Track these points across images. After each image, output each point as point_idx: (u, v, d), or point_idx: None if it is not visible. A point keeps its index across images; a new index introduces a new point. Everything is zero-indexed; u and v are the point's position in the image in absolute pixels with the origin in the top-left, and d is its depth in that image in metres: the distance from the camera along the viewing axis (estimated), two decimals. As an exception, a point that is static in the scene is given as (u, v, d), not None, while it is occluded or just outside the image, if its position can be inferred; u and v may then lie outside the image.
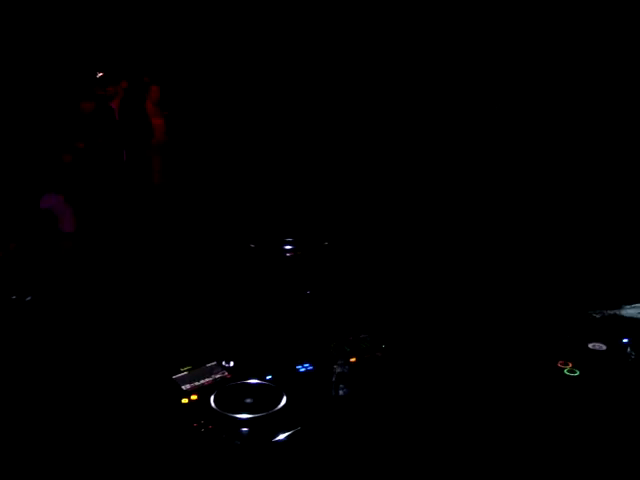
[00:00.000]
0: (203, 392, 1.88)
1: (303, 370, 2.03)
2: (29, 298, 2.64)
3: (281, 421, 1.77)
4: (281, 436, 1.72)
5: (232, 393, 1.86)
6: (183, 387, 1.91)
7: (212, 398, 1.83)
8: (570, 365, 2.08)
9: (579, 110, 3.68)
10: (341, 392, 1.92)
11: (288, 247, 3.54)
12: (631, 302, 2.55)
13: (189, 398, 1.85)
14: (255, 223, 3.85)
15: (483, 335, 2.32)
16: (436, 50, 4.32)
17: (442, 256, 3.37)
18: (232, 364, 2.04)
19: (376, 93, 4.65)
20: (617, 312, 2.49)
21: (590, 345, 2.19)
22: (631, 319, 2.42)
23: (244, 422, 1.74)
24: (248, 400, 1.82)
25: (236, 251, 3.41)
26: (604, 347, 2.18)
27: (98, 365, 2.07)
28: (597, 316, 2.46)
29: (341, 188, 4.28)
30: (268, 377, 1.95)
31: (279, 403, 1.81)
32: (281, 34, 4.98)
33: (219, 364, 2.04)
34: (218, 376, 1.98)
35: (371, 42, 4.58)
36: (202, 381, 1.95)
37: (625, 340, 2.20)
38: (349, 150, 4.57)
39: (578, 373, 2.04)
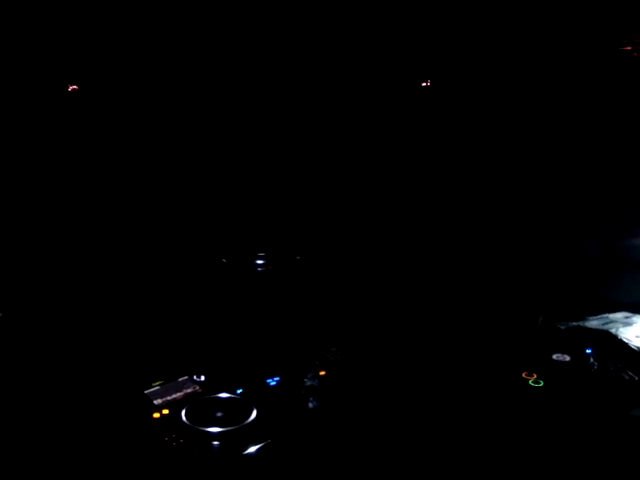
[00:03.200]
0: (174, 406, 1.90)
1: (273, 383, 2.06)
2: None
3: (252, 434, 1.79)
4: (252, 449, 1.75)
5: (203, 407, 1.88)
6: (155, 402, 1.93)
7: (183, 412, 1.85)
8: (535, 376, 2.13)
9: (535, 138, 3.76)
10: (310, 405, 1.95)
11: (260, 262, 3.57)
12: (595, 313, 2.61)
13: (161, 412, 1.87)
14: (226, 237, 3.86)
15: (449, 347, 2.36)
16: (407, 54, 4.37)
17: (410, 267, 3.42)
18: (203, 378, 2.07)
19: (342, 109, 4.69)
20: (581, 323, 2.55)
21: (554, 356, 2.25)
22: (595, 330, 2.49)
23: (215, 436, 1.76)
24: (219, 414, 1.85)
25: (207, 265, 3.43)
26: (568, 358, 2.24)
27: (68, 380, 2.08)
28: (562, 327, 2.52)
29: (312, 203, 4.31)
30: (239, 391, 1.98)
31: (249, 416, 1.84)
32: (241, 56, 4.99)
33: (190, 378, 2.07)
34: (189, 390, 2.01)
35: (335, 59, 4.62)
36: (174, 395, 1.97)
37: (588, 350, 2.27)
38: (320, 165, 4.60)
39: (542, 384, 2.09)
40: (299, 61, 4.14)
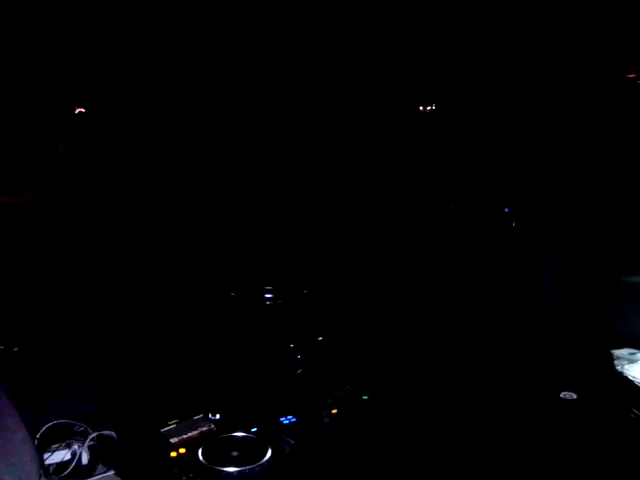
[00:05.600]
0: (191, 445, 1.94)
1: (287, 422, 2.10)
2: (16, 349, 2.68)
3: (267, 473, 1.83)
4: (268, 488, 1.79)
5: (219, 446, 1.92)
6: (171, 440, 1.97)
7: (200, 451, 1.89)
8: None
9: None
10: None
11: (268, 295, 3.61)
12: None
13: (177, 451, 1.91)
14: (235, 271, 3.91)
15: (459, 389, 2.40)
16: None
17: (421, 304, 3.46)
18: (218, 417, 2.11)
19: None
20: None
21: (562, 394, 2.29)
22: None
23: (232, 475, 1.80)
24: (235, 453, 1.89)
25: (217, 300, 3.47)
26: (575, 396, 2.27)
27: (87, 419, 2.12)
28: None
29: (319, 236, 4.37)
30: (253, 429, 2.02)
31: (265, 455, 1.88)
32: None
33: (205, 417, 2.11)
34: (205, 429, 2.04)
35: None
36: (189, 434, 2.01)
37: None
38: (326, 198, 4.67)
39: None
40: (309, 106, 4.22)
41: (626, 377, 2.39)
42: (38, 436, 1.93)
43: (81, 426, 2.02)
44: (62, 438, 1.96)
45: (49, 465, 1.90)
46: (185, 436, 2.00)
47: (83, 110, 5.00)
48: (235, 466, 1.82)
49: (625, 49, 3.46)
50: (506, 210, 1.52)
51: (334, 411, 2.14)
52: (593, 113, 3.38)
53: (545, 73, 3.49)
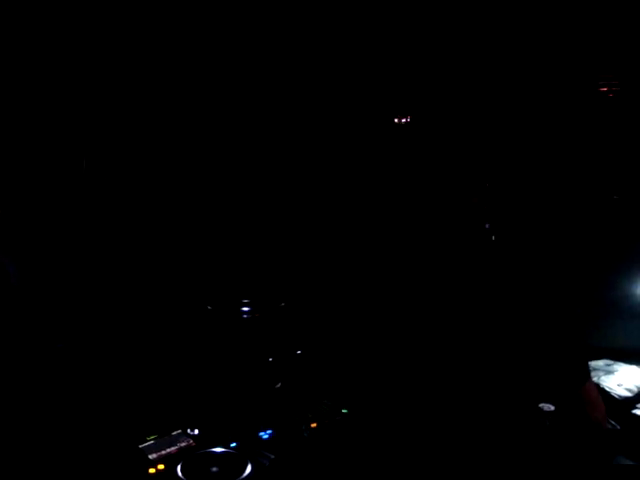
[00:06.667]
0: (170, 461, 1.92)
1: (266, 437, 2.09)
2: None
3: (247, 489, 1.82)
4: (248, 504, 1.78)
5: (198, 462, 1.91)
6: (150, 456, 1.95)
7: (179, 468, 1.87)
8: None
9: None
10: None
11: (245, 309, 3.59)
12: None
13: (156, 468, 1.89)
14: (211, 285, 3.88)
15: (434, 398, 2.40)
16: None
17: (398, 316, 3.46)
18: (197, 432, 2.09)
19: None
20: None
21: (540, 405, 2.29)
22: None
23: (211, 492, 1.79)
24: (214, 469, 1.87)
25: (193, 313, 3.44)
26: (552, 407, 2.28)
27: (64, 436, 2.09)
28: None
29: (296, 249, 4.35)
30: (233, 444, 2.01)
31: (245, 471, 1.86)
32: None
33: (184, 432, 2.09)
34: (184, 444, 2.02)
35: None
36: (168, 450, 1.99)
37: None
38: (304, 211, 4.66)
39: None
40: (293, 123, 4.23)
41: (602, 388, 2.41)
42: None
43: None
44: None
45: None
46: (164, 452, 1.98)
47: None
48: (215, 482, 1.81)
49: (597, 64, 3.53)
50: (486, 226, 1.52)
51: (314, 425, 2.14)
52: (569, 126, 3.42)
53: (520, 88, 3.53)
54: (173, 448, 2.00)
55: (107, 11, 3.97)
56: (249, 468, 1.87)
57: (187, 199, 4.69)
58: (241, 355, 2.85)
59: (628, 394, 2.40)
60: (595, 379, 2.46)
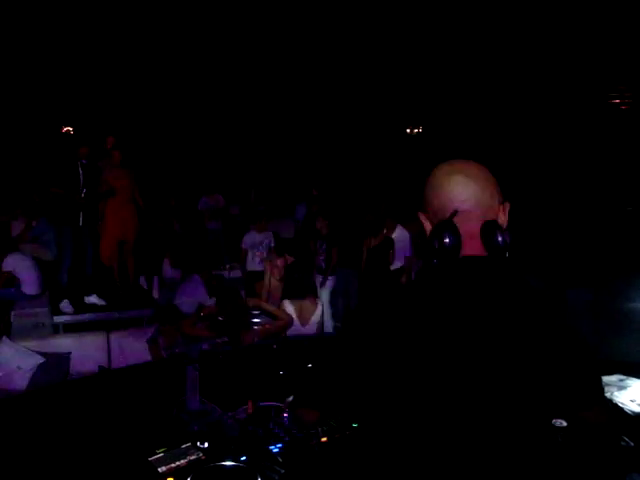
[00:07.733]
0: (179, 474, 1.91)
1: (276, 450, 2.07)
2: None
3: (257, 504, 1.81)
4: (257, 519, 1.77)
5: (208, 476, 1.90)
6: (159, 469, 1.94)
7: (188, 481, 1.86)
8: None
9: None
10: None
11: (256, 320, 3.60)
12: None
13: (166, 481, 1.88)
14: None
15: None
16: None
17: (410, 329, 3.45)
18: (207, 445, 2.07)
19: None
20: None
21: (552, 421, 2.27)
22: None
23: (221, 506, 1.78)
24: (224, 483, 1.87)
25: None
26: (565, 423, 2.26)
27: (74, 450, 2.08)
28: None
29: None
30: (243, 458, 1.99)
31: (254, 485, 1.85)
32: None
33: (194, 445, 2.07)
34: (193, 457, 2.01)
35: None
36: (178, 463, 1.98)
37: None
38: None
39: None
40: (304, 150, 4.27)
41: (616, 404, 2.39)
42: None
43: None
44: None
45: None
46: (173, 465, 1.97)
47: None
48: (224, 497, 1.80)
49: (610, 76, 3.52)
50: (499, 239, 1.50)
51: (324, 439, 2.12)
52: (583, 139, 3.42)
53: (533, 100, 3.54)
54: (183, 461, 1.99)
55: (107, 11, 3.99)
56: (259, 482, 1.86)
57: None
58: (252, 367, 2.84)
59: (641, 410, 2.37)
60: (608, 395, 2.43)
